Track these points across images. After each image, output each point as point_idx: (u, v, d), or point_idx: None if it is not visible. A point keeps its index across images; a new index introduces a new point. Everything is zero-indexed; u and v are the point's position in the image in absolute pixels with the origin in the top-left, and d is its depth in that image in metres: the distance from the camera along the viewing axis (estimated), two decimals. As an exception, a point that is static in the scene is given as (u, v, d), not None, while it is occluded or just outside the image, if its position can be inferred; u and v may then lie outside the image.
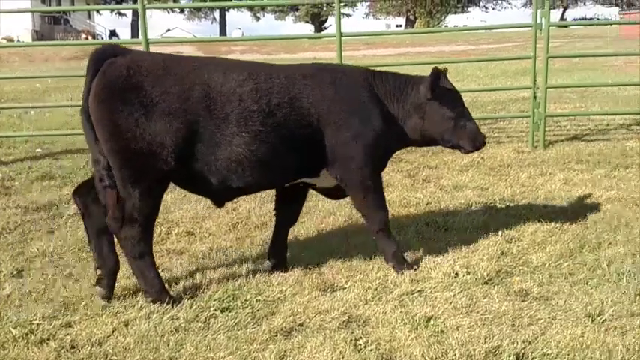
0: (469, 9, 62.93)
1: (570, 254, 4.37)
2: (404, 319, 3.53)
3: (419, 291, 3.90)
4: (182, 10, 59.92)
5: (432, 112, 4.22)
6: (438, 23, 56.65)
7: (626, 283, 3.85)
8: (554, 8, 64.03)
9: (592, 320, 3.42)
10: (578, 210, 5.32)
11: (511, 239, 4.68)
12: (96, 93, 3.65)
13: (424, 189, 6.30)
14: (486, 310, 3.61)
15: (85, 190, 3.92)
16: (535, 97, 7.92)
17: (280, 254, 4.42)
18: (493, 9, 63.76)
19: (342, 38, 7.80)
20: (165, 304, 3.71)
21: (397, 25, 62.83)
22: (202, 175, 3.80)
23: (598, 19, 56.90)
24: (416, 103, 4.23)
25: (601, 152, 7.51)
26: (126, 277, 4.13)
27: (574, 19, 59.05)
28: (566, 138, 8.48)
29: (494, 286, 3.93)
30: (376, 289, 3.93)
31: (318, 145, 4.01)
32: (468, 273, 4.10)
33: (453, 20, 60.31)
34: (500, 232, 4.81)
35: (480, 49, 25.98)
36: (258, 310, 3.69)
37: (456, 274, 4.11)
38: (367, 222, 4.31)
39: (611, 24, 33.36)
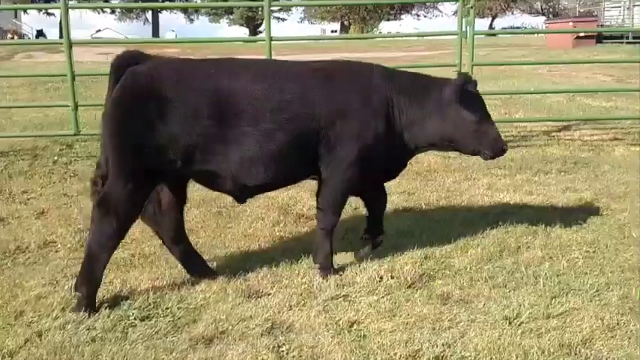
0: (402, 16, 64.05)
1: (491, 258, 4.47)
2: (327, 325, 3.53)
3: (343, 296, 3.91)
4: (113, 11, 58.56)
5: (455, 115, 4.24)
6: (372, 30, 57.39)
7: (543, 286, 3.96)
8: (483, 17, 65.92)
9: (509, 323, 3.51)
10: (500, 214, 5.45)
11: (435, 243, 4.75)
12: (114, 99, 3.78)
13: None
14: (408, 314, 3.65)
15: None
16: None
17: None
18: (425, 17, 65.12)
19: (275, 43, 7.80)
20: (84, 305, 3.67)
21: (332, 31, 63.27)
22: (220, 174, 3.93)
23: (525, 27, 58.95)
24: (438, 105, 4.26)
25: (523, 158, 7.72)
26: (42, 285, 3.99)
27: (503, 28, 60.75)
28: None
29: (417, 290, 3.98)
30: (301, 295, 3.92)
31: (325, 142, 4.07)
32: (392, 277, 4.14)
33: (386, 27, 61.19)
34: (424, 237, 4.89)
35: (412, 55, 26.27)
36: (179, 319, 3.62)
37: (381, 278, 4.14)
38: (319, 216, 4.31)
39: (537, 33, 34.46)
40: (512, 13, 65.77)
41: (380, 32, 52.82)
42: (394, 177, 4.69)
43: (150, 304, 3.77)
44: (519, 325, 3.49)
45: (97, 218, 3.77)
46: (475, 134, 4.28)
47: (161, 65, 4.01)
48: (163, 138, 3.73)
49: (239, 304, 3.81)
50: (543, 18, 58.97)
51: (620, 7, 35.08)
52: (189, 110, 3.77)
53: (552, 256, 4.47)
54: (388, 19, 62.53)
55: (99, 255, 3.77)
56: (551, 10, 62.12)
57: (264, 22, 8.29)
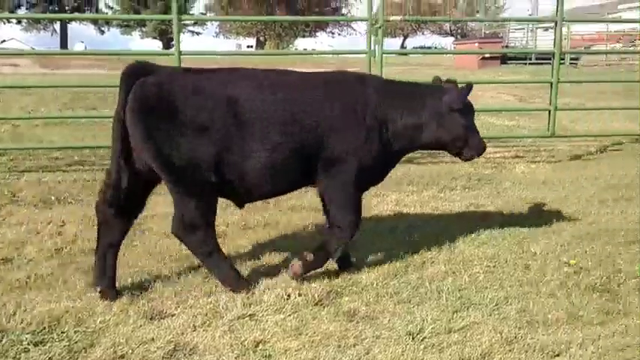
0: (317, 34, 64.77)
1: (397, 273, 4.54)
2: (232, 345, 3.47)
3: (250, 315, 3.85)
4: (19, 21, 56.11)
5: (451, 120, 4.55)
6: (287, 46, 57.72)
7: (445, 301, 4.05)
8: (395, 37, 67.68)
9: (412, 338, 3.55)
10: (406, 230, 5.56)
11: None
12: (131, 114, 3.92)
13: (264, 210, 6.28)
14: (315, 332, 3.63)
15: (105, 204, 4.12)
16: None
17: None
18: (339, 34, 66.08)
19: (190, 57, 7.72)
20: (244, 292, 4.10)
21: (248, 46, 63.16)
22: (229, 182, 4.12)
23: (436, 47, 60.98)
24: (434, 111, 4.52)
25: (431, 174, 7.93)
26: None
27: (414, 48, 62.57)
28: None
29: (324, 308, 3.97)
30: (206, 315, 3.83)
31: (324, 152, 4.26)
32: (300, 295, 4.12)
33: (302, 44, 61.69)
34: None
35: (326, 72, 26.67)
36: (76, 343, 3.45)
37: (289, 296, 4.11)
38: (331, 221, 4.51)
39: (445, 53, 35.69)
40: (423, 33, 67.97)
41: (296, 49, 53.17)
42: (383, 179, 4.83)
43: (45, 328, 3.58)
44: (422, 340, 3.54)
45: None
46: (465, 136, 4.63)
47: (175, 75, 4.21)
48: (180, 145, 3.94)
49: (140, 326, 3.68)
50: (452, 39, 61.23)
51: (523, 29, 36.93)
52: (202, 119, 3.97)
53: (455, 270, 4.59)
54: (304, 36, 63.06)
55: (212, 260, 4.22)
56: (459, 31, 64.60)
57: (180, 35, 8.17)
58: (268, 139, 4.10)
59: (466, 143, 4.66)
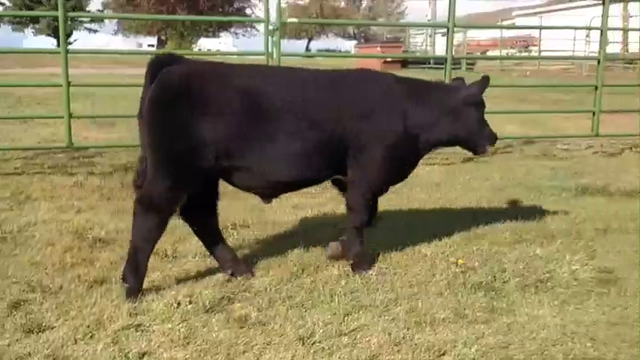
0: (220, 34, 64.06)
1: (291, 277, 4.51)
2: (115, 358, 3.33)
3: (136, 325, 3.71)
4: None
5: (466, 114, 4.74)
6: (190, 46, 56.74)
7: (338, 304, 4.06)
8: (300, 39, 68.12)
9: (303, 343, 3.53)
10: (304, 234, 5.56)
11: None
12: (151, 97, 4.05)
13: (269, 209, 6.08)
14: (204, 341, 3.55)
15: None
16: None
17: None
18: (243, 35, 65.67)
19: (78, 54, 7.39)
20: (133, 296, 4.04)
21: (149, 45, 61.59)
22: (252, 172, 4.27)
23: (340, 51, 61.75)
24: (450, 107, 4.70)
25: (330, 177, 7.96)
26: None
27: (318, 50, 63.00)
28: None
29: (214, 315, 3.89)
30: (89, 327, 3.66)
31: (348, 146, 4.42)
32: (191, 302, 4.02)
33: (205, 44, 60.80)
34: (227, 258, 4.82)
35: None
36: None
37: (179, 304, 4.00)
38: (350, 216, 4.74)
39: (346, 57, 36.04)
40: (327, 36, 68.75)
41: (200, 49, 52.35)
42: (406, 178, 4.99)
43: None
44: (312, 344, 3.53)
45: (139, 213, 4.11)
46: (478, 130, 4.82)
47: (199, 65, 4.46)
48: (201, 135, 4.05)
49: (17, 340, 3.47)
50: (355, 42, 62.23)
51: (423, 34, 38.12)
52: (226, 109, 4.11)
53: (349, 273, 4.62)
54: (207, 36, 62.20)
55: (143, 247, 4.13)
56: (362, 34, 65.85)
57: (76, 33, 7.84)
58: (298, 133, 4.25)
59: (481, 136, 4.85)
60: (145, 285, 4.24)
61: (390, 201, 6.88)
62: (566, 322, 3.92)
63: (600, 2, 9.74)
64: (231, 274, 4.47)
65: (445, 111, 4.69)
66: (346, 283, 4.45)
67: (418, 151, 4.77)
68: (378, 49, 30.34)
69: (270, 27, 7.79)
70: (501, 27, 40.91)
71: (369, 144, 4.45)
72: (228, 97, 4.12)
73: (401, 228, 5.79)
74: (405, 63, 30.36)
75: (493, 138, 4.94)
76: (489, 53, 36.57)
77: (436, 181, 8.09)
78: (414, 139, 4.62)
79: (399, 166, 4.71)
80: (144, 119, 4.10)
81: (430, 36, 35.25)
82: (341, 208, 6.49)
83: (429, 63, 30.09)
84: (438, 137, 4.75)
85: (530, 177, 8.37)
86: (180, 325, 3.72)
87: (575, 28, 30.65)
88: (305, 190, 7.22)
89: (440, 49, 36.16)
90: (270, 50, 7.92)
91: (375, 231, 5.54)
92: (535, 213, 6.28)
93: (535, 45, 36.91)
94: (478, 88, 4.75)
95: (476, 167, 9.08)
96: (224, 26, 61.63)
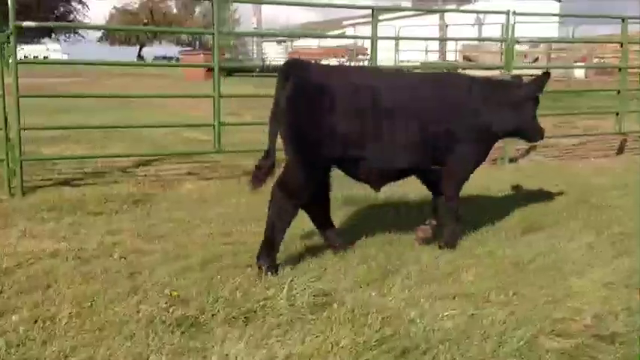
0: (42, 40, 59.96)
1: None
2: None
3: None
4: None
5: (527, 108, 5.45)
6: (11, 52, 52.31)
7: None
8: (133, 45, 65.60)
9: None
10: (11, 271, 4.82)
11: None
12: (289, 96, 4.64)
13: None
14: None
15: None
16: (8, 139, 7.28)
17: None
18: (65, 41, 62.01)
19: None
20: (268, 270, 4.67)
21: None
22: (367, 163, 4.89)
23: (172, 58, 59.99)
24: (513, 102, 5.37)
25: (81, 198, 7.13)
26: None
27: (155, 57, 61.08)
28: (57, 182, 8.05)
29: None
30: None
31: (445, 139, 5.09)
32: None
33: (31, 51, 56.48)
34: None
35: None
36: None
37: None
38: (447, 201, 5.37)
39: (173, 66, 34.69)
40: (160, 42, 66.76)
41: (25, 56, 48.39)
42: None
43: None
44: None
45: (277, 199, 4.72)
46: (533, 123, 5.56)
47: (326, 68, 5.54)
48: (332, 128, 4.68)
49: None
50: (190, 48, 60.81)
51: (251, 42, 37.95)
52: (351, 105, 4.73)
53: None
54: (28, 43, 57.85)
55: (278, 229, 4.73)
56: (197, 41, 64.54)
57: None
58: (406, 127, 4.88)
59: (535, 128, 5.60)
60: None
61: (140, 222, 6.27)
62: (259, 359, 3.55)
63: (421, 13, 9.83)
64: (335, 248, 5.25)
65: (511, 105, 5.35)
66: None
67: (491, 142, 5.50)
68: (201, 56, 29.62)
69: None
70: (323, 36, 41.71)
71: (461, 138, 5.11)
72: (353, 95, 4.74)
73: (138, 254, 5.22)
74: (230, 71, 29.83)
75: (543, 132, 5.69)
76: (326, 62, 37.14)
77: (205, 197, 7.61)
78: (489, 131, 5.30)
79: (481, 156, 5.44)
80: (283, 116, 4.68)
81: (257, 45, 35.13)
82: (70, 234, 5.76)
83: (255, 71, 29.86)
84: (504, 129, 5.43)
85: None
86: None
87: (378, 38, 31.68)
88: (45, 213, 6.51)
89: (271, 57, 36.25)
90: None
91: (106, 259, 4.96)
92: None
93: (365, 54, 37.97)
94: (538, 84, 5.42)
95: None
96: (43, 32, 57.73)
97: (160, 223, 6.34)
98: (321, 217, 5.27)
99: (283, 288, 4.43)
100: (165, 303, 4.21)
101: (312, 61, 5.19)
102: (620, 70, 11.49)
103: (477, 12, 30.59)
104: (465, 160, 5.27)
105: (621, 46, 11.27)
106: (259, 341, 3.75)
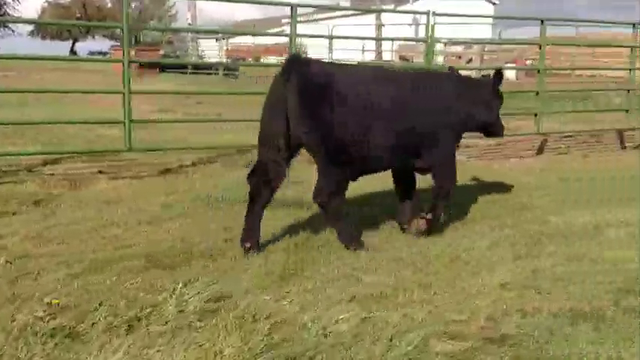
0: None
1: None
2: None
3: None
4: None
5: (494, 105, 5.97)
6: None
7: None
8: (67, 40, 63.61)
9: None
10: None
11: None
12: (297, 90, 4.84)
13: None
14: None
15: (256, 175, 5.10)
16: None
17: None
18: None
19: None
20: (358, 248, 5.25)
21: None
22: (366, 154, 5.13)
23: (105, 53, 58.40)
24: (486, 99, 5.88)
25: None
26: None
27: (90, 52, 59.53)
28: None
29: None
30: None
31: (430, 133, 5.46)
32: None
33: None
34: None
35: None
36: None
37: None
38: (436, 188, 5.77)
39: (99, 61, 33.62)
40: (94, 37, 64.94)
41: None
42: None
43: None
44: None
45: (329, 208, 5.19)
46: (497, 120, 6.09)
47: (329, 64, 5.73)
48: (334, 121, 4.90)
49: None
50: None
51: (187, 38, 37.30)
52: (351, 100, 4.96)
53: None
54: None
55: (342, 219, 5.29)
56: (133, 37, 63.12)
57: None
58: (397, 121, 5.21)
59: (499, 125, 6.13)
60: None
61: (35, 224, 5.95)
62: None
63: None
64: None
65: (482, 101, 5.83)
66: None
67: (462, 132, 5.92)
68: (133, 52, 28.90)
69: None
70: (259, 33, 41.36)
71: (444, 131, 5.53)
72: (349, 90, 4.99)
73: (27, 257, 4.91)
74: (163, 68, 29.26)
75: (503, 128, 6.21)
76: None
77: (114, 196, 7.30)
78: (465, 125, 5.80)
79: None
80: (298, 111, 4.83)
81: (190, 41, 34.54)
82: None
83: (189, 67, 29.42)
84: (475, 124, 5.92)
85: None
86: None
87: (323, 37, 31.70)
88: None
89: (209, 54, 35.71)
90: None
91: None
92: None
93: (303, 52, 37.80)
94: (499, 82, 5.89)
95: (174, 178, 8.43)
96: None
97: (59, 226, 6.01)
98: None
99: (174, 293, 4.23)
100: (44, 311, 3.95)
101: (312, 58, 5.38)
102: (539, 71, 11.66)
103: (395, 12, 30.78)
104: (451, 150, 5.76)
105: (540, 48, 11.49)
106: (140, 351, 3.55)
